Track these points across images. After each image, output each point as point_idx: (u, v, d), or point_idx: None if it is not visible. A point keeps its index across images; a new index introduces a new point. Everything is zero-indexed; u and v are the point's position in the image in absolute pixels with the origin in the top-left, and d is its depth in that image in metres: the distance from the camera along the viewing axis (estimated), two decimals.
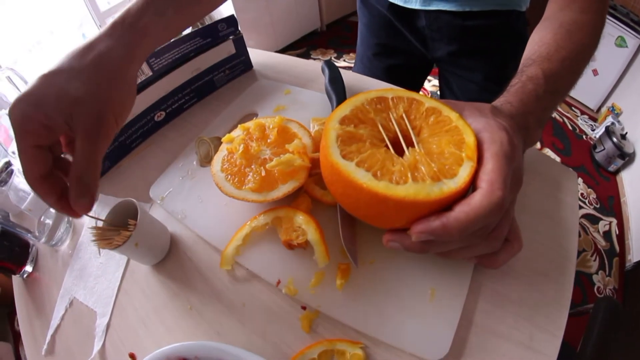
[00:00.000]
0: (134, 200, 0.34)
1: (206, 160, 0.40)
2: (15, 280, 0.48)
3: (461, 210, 0.22)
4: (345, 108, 0.27)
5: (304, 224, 0.29)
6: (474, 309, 0.29)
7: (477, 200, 0.22)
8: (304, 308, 0.30)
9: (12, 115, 0.23)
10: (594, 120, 1.62)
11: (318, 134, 0.35)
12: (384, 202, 0.22)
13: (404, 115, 0.27)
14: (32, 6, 1.56)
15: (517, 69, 0.35)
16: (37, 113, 0.23)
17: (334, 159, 0.24)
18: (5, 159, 0.57)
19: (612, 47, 1.46)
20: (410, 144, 0.26)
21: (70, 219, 0.51)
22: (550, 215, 0.36)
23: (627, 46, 1.42)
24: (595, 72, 1.55)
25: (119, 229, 0.33)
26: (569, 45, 0.35)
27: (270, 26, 1.99)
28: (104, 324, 0.37)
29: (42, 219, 0.49)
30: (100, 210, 0.48)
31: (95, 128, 0.24)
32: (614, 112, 1.50)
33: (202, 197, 0.39)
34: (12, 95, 0.73)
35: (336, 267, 0.30)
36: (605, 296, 0.98)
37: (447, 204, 0.23)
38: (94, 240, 0.33)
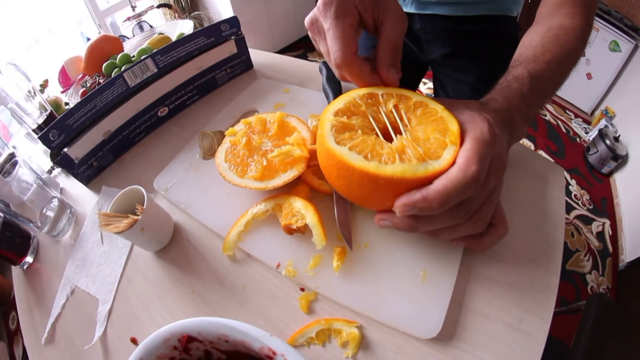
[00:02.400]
0: (141, 187, 0.35)
1: (209, 153, 0.42)
2: (16, 271, 0.49)
3: (439, 183, 0.24)
4: (339, 102, 0.29)
5: (302, 209, 0.31)
6: (464, 292, 0.31)
7: (453, 172, 0.24)
8: (302, 289, 0.32)
9: (334, 1, 0.29)
10: (588, 123, 1.65)
11: (316, 128, 0.37)
12: (375, 180, 0.24)
13: (392, 108, 0.29)
14: (30, 5, 1.58)
15: None
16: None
17: (329, 145, 0.26)
18: (10, 151, 0.59)
19: (606, 51, 1.50)
20: (398, 133, 0.28)
21: (73, 210, 0.52)
22: (538, 207, 0.38)
23: (620, 50, 1.46)
24: (589, 76, 1.58)
25: (125, 216, 0.35)
26: (555, 49, 0.37)
27: (268, 28, 2.02)
28: (106, 310, 0.38)
29: (43, 211, 0.51)
30: (104, 201, 0.50)
31: (402, 12, 0.31)
32: (608, 115, 1.54)
33: (205, 188, 0.40)
34: (12, 90, 0.74)
35: (332, 251, 0.32)
36: (597, 293, 1.00)
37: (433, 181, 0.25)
38: (100, 226, 0.34)
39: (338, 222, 0.32)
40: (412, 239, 0.32)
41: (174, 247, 0.39)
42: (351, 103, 0.29)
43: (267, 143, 0.35)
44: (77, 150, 0.50)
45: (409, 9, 0.59)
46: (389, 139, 0.28)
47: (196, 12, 1.79)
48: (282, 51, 2.21)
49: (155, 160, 0.51)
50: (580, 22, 0.39)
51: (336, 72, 0.31)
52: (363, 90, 0.30)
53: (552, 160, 1.48)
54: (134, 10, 1.56)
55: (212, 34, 0.55)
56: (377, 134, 0.28)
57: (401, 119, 0.29)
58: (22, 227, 0.50)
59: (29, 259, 0.49)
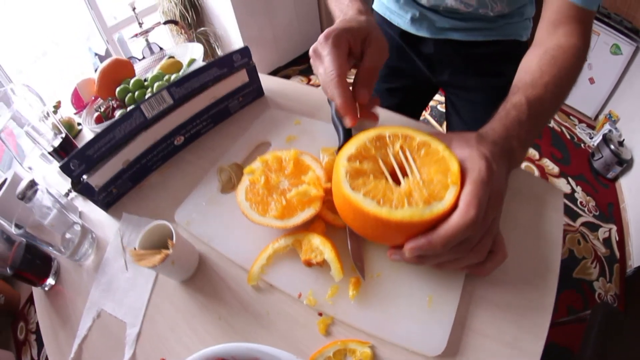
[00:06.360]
0: (168, 223, 0.40)
1: (228, 186, 0.47)
2: (37, 292, 0.53)
3: (442, 228, 0.28)
4: (350, 147, 0.34)
5: (321, 245, 0.36)
6: (466, 314, 0.35)
7: (454, 218, 0.28)
8: (320, 314, 0.37)
9: (332, 34, 0.37)
10: (592, 128, 1.69)
11: (328, 165, 0.42)
12: (387, 224, 0.29)
13: (399, 151, 0.34)
14: (39, 18, 1.64)
15: None
16: (347, 34, 0.38)
17: (345, 191, 0.31)
18: (30, 178, 0.63)
19: (607, 55, 1.54)
20: (405, 174, 0.33)
21: (95, 235, 0.56)
22: (536, 230, 0.42)
23: (621, 53, 1.50)
24: (591, 81, 1.63)
25: (158, 251, 0.39)
26: (553, 70, 0.39)
27: (273, 42, 2.08)
28: (135, 333, 0.42)
29: (65, 235, 0.55)
30: (125, 228, 0.54)
31: (384, 47, 0.40)
32: (611, 119, 1.58)
33: (226, 223, 0.45)
34: (25, 111, 0.79)
35: (348, 281, 0.37)
36: (602, 302, 1.04)
37: (438, 221, 0.29)
38: (134, 261, 0.39)
39: (352, 255, 0.37)
40: (419, 269, 0.37)
41: (199, 276, 0.43)
42: (362, 147, 0.34)
43: (284, 182, 0.40)
44: (97, 179, 0.55)
45: (423, 33, 0.63)
46: (397, 177, 0.32)
47: (202, 28, 1.85)
48: (287, 65, 2.28)
49: (172, 187, 0.56)
50: (576, 41, 0.41)
51: (326, 90, 0.37)
52: (372, 133, 0.35)
53: (557, 168, 1.52)
54: (141, 26, 1.62)
55: (225, 64, 0.60)
56: (386, 177, 0.33)
57: (407, 160, 0.33)
58: (43, 250, 0.53)
59: (50, 280, 0.52)
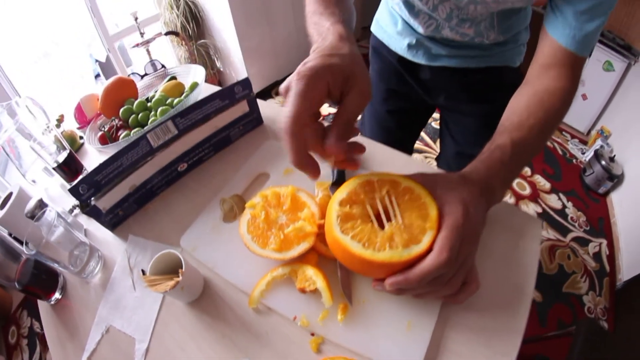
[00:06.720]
0: (177, 252, 0.46)
1: (230, 216, 0.53)
2: (42, 304, 0.58)
3: (417, 268, 0.34)
4: (342, 192, 0.40)
5: (314, 276, 0.42)
6: (441, 336, 0.41)
7: (428, 260, 0.34)
8: (312, 334, 0.43)
9: (311, 72, 0.32)
10: (584, 143, 1.77)
11: (323, 200, 0.48)
12: (370, 263, 0.36)
13: (385, 196, 0.40)
14: (40, 19, 1.69)
15: None
16: (327, 73, 0.33)
17: (335, 234, 0.37)
18: (38, 197, 0.68)
19: (600, 71, 1.62)
20: (389, 217, 0.39)
21: (101, 253, 0.61)
22: (512, 258, 0.47)
23: (614, 70, 1.58)
24: (584, 97, 1.70)
25: (165, 277, 0.45)
26: (539, 113, 0.42)
27: (272, 55, 2.15)
28: (144, 348, 0.47)
29: (74, 252, 0.59)
30: (132, 250, 0.60)
31: (367, 89, 0.35)
32: (603, 134, 1.65)
33: (228, 250, 0.51)
34: (30, 124, 0.83)
35: (337, 306, 0.43)
36: (586, 318, 1.10)
37: (415, 261, 0.35)
38: (147, 287, 0.44)
39: (341, 284, 0.43)
40: (400, 297, 0.43)
41: (204, 298, 0.49)
42: (352, 192, 0.40)
43: (282, 217, 0.46)
44: (104, 202, 0.60)
45: (420, 60, 0.68)
46: (382, 219, 0.38)
47: (202, 40, 1.92)
48: (285, 79, 2.33)
49: (175, 212, 0.62)
50: (565, 84, 0.44)
51: (283, 135, 0.32)
52: (362, 178, 0.41)
53: (549, 184, 1.58)
54: (142, 36, 1.69)
55: (227, 96, 0.66)
56: (372, 220, 0.39)
57: (391, 205, 0.39)
58: (49, 266, 0.58)
59: (57, 295, 0.57)
